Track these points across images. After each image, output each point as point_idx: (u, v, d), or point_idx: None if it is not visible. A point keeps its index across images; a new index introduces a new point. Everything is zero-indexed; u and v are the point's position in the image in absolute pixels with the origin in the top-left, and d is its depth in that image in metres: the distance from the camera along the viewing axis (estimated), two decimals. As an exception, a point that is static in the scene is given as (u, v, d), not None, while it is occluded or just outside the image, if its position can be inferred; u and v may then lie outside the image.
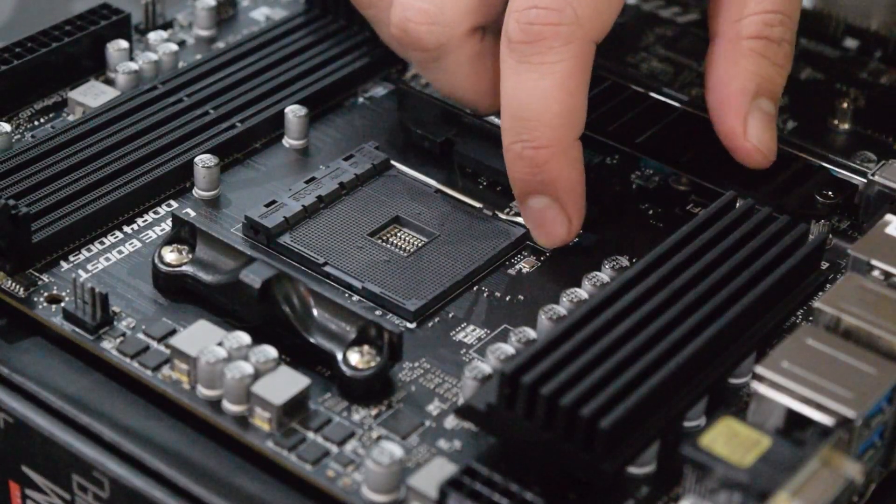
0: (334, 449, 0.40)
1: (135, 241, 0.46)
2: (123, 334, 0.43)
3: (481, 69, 0.47)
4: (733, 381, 0.42)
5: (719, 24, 0.47)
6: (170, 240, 0.45)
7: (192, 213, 0.47)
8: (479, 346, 0.43)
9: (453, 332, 0.44)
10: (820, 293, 0.44)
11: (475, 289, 0.45)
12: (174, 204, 0.48)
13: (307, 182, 0.48)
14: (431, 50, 0.46)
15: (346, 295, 0.45)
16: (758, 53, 0.46)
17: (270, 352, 0.41)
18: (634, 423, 0.38)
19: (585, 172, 0.47)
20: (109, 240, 0.46)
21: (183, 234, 0.44)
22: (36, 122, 0.50)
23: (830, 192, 0.49)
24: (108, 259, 0.45)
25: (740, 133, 0.46)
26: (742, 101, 0.46)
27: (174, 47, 0.53)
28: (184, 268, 0.44)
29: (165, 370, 0.42)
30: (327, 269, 0.45)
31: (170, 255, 0.44)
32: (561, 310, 0.43)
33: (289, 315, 0.42)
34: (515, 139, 0.44)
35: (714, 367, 0.41)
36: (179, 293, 0.44)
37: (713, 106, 0.47)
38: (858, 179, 0.48)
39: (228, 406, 0.40)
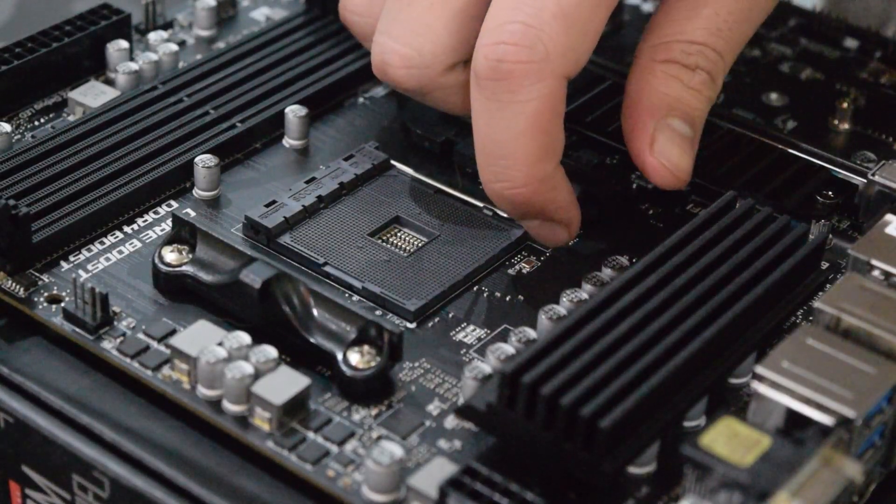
0: (334, 449, 0.40)
1: (135, 241, 0.46)
2: (123, 334, 0.43)
3: (467, 94, 0.45)
4: (733, 381, 0.42)
5: (639, 49, 0.46)
6: (170, 240, 0.45)
7: (193, 213, 0.47)
8: (479, 346, 0.43)
9: (453, 332, 0.44)
10: (820, 293, 0.44)
11: (475, 289, 0.45)
12: (174, 204, 0.48)
13: (307, 182, 0.48)
14: (412, 91, 0.46)
15: (346, 295, 0.45)
16: (668, 75, 0.45)
17: (270, 352, 0.41)
18: (634, 423, 0.38)
19: (585, 172, 0.47)
20: (109, 240, 0.46)
21: (183, 234, 0.44)
22: (36, 122, 0.50)
23: (830, 192, 0.49)
24: (108, 259, 0.45)
25: (646, 150, 0.45)
26: (649, 118, 0.45)
27: (174, 47, 0.53)
28: (184, 268, 0.44)
29: (165, 370, 0.42)
30: (327, 269, 0.45)
31: (170, 255, 0.44)
32: (561, 310, 0.43)
33: (289, 315, 0.42)
34: (493, 179, 0.43)
35: (714, 367, 0.41)
36: (179, 293, 0.44)
37: (623, 124, 0.46)
38: (858, 179, 0.48)
39: (228, 406, 0.40)
